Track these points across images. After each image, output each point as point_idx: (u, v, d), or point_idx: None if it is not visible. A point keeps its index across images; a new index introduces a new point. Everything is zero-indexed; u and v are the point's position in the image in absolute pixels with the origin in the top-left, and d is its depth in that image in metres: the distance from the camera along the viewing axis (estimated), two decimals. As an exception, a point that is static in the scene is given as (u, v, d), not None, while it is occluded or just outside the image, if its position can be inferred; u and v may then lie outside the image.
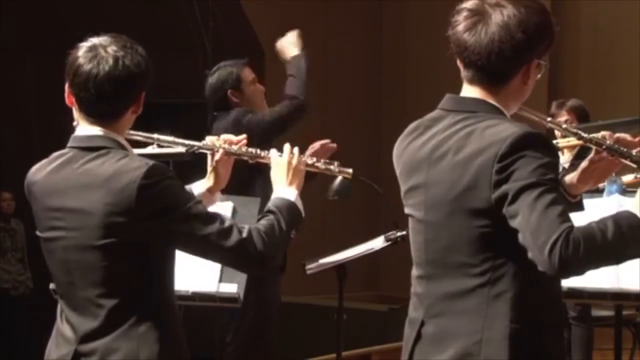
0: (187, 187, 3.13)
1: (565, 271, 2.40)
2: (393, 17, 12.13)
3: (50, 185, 2.86)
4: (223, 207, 3.71)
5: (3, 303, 8.89)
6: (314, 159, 3.40)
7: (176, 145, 3.40)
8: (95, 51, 2.81)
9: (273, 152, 3.20)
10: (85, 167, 2.80)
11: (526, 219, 2.40)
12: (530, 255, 2.42)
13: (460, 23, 2.58)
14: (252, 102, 5.47)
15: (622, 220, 2.45)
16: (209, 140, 3.40)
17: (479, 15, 2.56)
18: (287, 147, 3.18)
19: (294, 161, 3.14)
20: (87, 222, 2.77)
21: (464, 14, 2.58)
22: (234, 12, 9.78)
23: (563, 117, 6.10)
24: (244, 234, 2.80)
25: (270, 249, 2.83)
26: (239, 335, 5.24)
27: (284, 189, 3.07)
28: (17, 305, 8.96)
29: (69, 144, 2.89)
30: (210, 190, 3.37)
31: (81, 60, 2.82)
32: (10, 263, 9.01)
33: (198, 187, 3.37)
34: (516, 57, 2.56)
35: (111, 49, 2.81)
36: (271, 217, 2.91)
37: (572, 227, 2.40)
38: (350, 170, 3.50)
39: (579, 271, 2.44)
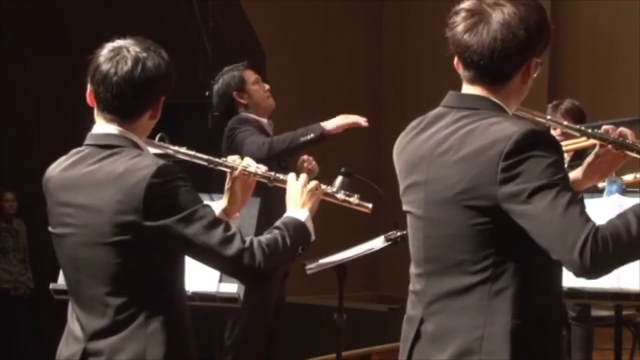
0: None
1: (598, 270, 2.41)
2: (393, 17, 12.13)
3: (63, 181, 2.88)
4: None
5: (3, 303, 8.89)
6: (334, 189, 3.30)
7: (195, 160, 3.32)
8: (118, 51, 2.83)
9: (291, 175, 3.17)
10: (99, 164, 2.82)
11: (547, 221, 2.40)
12: (555, 256, 2.42)
13: (459, 24, 2.57)
14: (257, 102, 5.60)
15: None
16: (230, 159, 3.29)
17: (478, 15, 2.55)
18: (303, 176, 3.16)
19: (311, 186, 3.12)
20: (97, 219, 2.77)
21: (463, 14, 2.58)
22: (234, 12, 9.78)
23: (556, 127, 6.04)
24: (246, 244, 2.78)
25: (269, 262, 2.81)
26: (235, 335, 5.27)
27: (295, 209, 3.05)
28: (18, 306, 8.96)
29: (85, 142, 2.90)
30: (226, 212, 3.20)
31: (103, 59, 2.84)
32: (11, 263, 9.01)
33: (214, 207, 3.27)
34: (518, 55, 2.55)
35: (134, 49, 2.83)
36: (276, 232, 2.90)
37: (596, 225, 2.40)
38: (370, 206, 3.42)
39: (610, 269, 2.44)
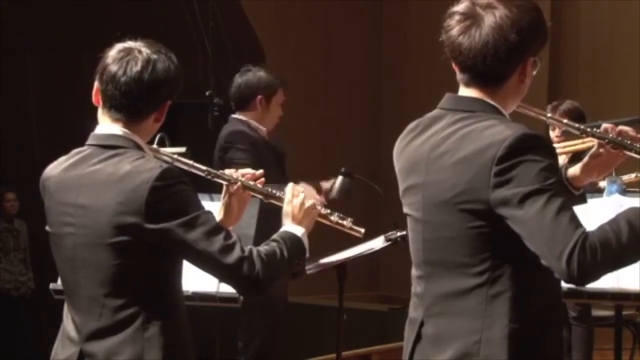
0: None
1: (585, 279, 2.41)
2: (393, 17, 12.12)
3: (64, 181, 2.87)
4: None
5: (4, 303, 8.89)
6: (328, 211, 3.35)
7: (194, 170, 3.32)
8: (128, 51, 2.84)
9: (288, 193, 3.19)
10: (101, 165, 2.82)
11: (537, 227, 2.40)
12: (545, 263, 2.42)
13: (453, 27, 2.57)
14: (269, 121, 5.48)
15: (635, 220, 2.44)
16: (228, 172, 3.31)
17: (471, 18, 2.55)
18: (302, 195, 3.18)
19: (308, 205, 3.15)
20: (98, 220, 2.77)
21: (456, 17, 2.58)
22: (234, 12, 9.78)
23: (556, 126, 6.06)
24: (246, 253, 2.80)
25: (267, 273, 2.83)
26: (253, 343, 5.30)
27: (292, 225, 3.08)
28: (19, 306, 8.96)
29: (87, 142, 2.90)
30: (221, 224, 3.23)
31: (112, 59, 2.84)
32: (12, 263, 9.00)
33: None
34: (511, 58, 2.55)
35: (145, 51, 2.84)
36: (274, 244, 2.93)
37: (586, 232, 2.40)
38: (362, 230, 3.45)
39: (598, 277, 2.44)
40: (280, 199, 3.22)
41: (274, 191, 3.28)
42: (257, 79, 5.46)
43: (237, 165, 4.89)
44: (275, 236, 2.99)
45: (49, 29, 8.88)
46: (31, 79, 9.07)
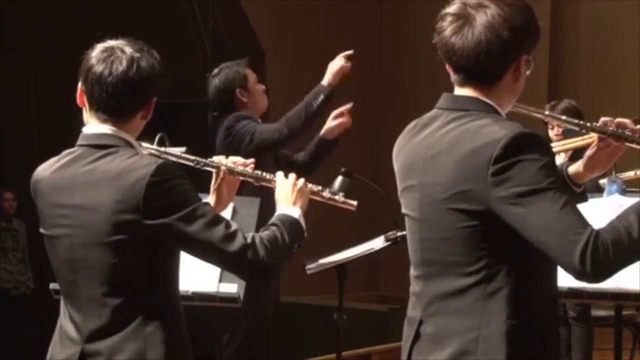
0: None
1: (599, 277, 2.41)
2: (393, 17, 12.13)
3: (57, 182, 2.86)
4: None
5: (4, 303, 8.89)
6: (319, 188, 3.36)
7: (182, 160, 3.33)
8: (111, 51, 2.83)
9: (279, 174, 3.20)
10: (94, 164, 2.81)
11: (544, 225, 2.40)
12: (556, 261, 2.43)
13: (446, 28, 2.58)
14: (256, 101, 5.51)
15: None
16: (216, 159, 3.35)
17: (463, 18, 2.56)
18: (292, 175, 3.20)
19: (300, 184, 3.16)
20: (95, 219, 2.77)
21: (449, 19, 2.58)
22: (234, 12, 9.79)
23: (555, 123, 6.06)
24: (248, 240, 2.81)
25: (271, 258, 2.83)
26: (236, 339, 5.27)
27: (287, 207, 3.08)
28: (18, 305, 8.96)
29: (78, 142, 2.89)
30: None
31: (96, 60, 2.83)
32: (11, 263, 9.01)
33: None
34: (505, 56, 2.56)
35: (127, 50, 2.83)
36: (274, 228, 2.93)
37: (595, 230, 2.39)
38: (355, 203, 3.45)
39: (612, 274, 2.43)
40: (271, 181, 3.24)
41: (263, 174, 3.30)
42: (224, 77, 5.45)
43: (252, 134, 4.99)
44: (273, 220, 2.99)
45: (49, 29, 8.88)
46: (31, 79, 9.07)
